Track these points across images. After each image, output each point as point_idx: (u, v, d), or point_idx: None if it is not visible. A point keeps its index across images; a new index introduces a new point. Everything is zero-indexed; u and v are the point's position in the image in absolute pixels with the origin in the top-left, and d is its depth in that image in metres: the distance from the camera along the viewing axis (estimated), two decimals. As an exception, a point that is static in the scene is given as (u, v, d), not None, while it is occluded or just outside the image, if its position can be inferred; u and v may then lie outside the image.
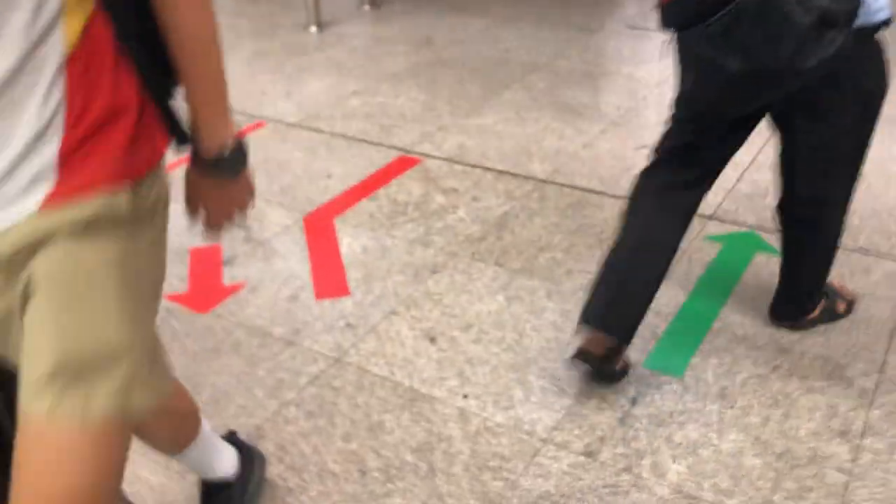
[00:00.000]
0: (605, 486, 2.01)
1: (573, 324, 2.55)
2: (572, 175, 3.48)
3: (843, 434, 2.13)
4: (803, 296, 2.48)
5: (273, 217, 3.24)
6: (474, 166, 3.58)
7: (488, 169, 3.55)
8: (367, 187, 3.44)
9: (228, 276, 2.87)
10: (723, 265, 2.83)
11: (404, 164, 3.63)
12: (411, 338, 2.53)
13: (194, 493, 2.02)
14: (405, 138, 3.88)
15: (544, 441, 2.15)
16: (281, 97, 4.43)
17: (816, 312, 2.49)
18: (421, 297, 2.71)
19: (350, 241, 3.05)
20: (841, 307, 2.54)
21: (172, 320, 2.66)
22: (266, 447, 2.15)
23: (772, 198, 3.18)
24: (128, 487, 2.00)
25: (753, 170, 3.44)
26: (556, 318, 2.59)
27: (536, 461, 2.09)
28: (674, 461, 2.07)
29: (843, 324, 2.52)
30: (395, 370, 2.40)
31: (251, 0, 6.26)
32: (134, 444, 2.15)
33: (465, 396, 2.30)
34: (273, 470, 2.08)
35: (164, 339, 2.54)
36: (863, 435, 2.13)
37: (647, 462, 2.08)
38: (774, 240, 2.94)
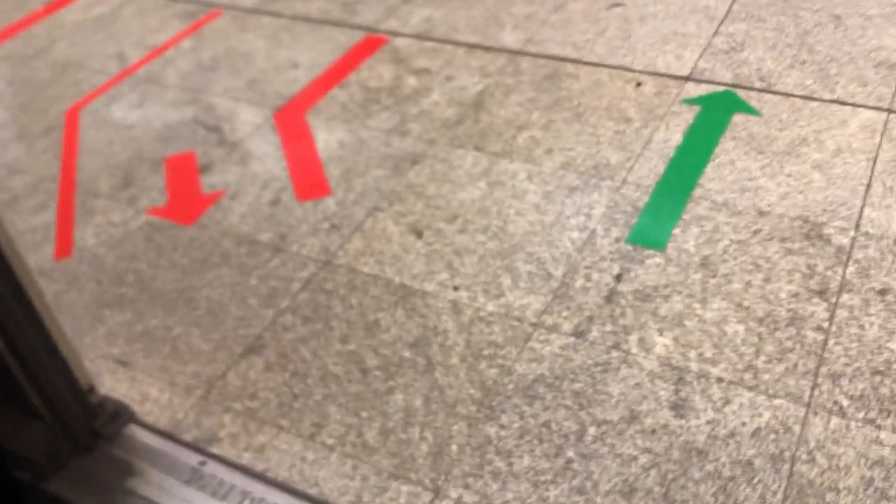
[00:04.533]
0: (595, 365, 2.10)
1: (555, 205, 2.58)
2: (545, 43, 3.39)
3: (821, 293, 2.21)
4: None
5: (243, 116, 3.17)
6: (444, 41, 3.48)
7: (459, 44, 3.45)
8: (336, 74, 3.35)
9: (207, 184, 2.85)
10: (701, 130, 2.82)
11: (371, 44, 3.52)
12: (397, 233, 2.55)
13: (202, 406, 2.11)
14: (369, 15, 3.74)
15: (535, 325, 2.22)
16: (235, -21, 4.22)
17: None
18: (403, 190, 2.71)
19: (325, 135, 3.01)
20: None
21: (157, 234, 2.67)
22: (268, 356, 2.22)
23: (749, 51, 3.15)
24: (137, 407, 2.08)
25: (729, 21, 3.36)
26: (538, 201, 2.60)
27: (529, 346, 2.17)
28: (660, 334, 2.16)
29: (820, 181, 2.56)
30: (384, 267, 2.44)
31: None
32: (141, 364, 2.22)
33: (456, 288, 2.35)
34: (278, 378, 2.16)
35: (151, 255, 2.57)
36: (839, 292, 2.21)
37: (634, 338, 2.16)
38: (754, 97, 2.93)
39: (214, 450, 1.98)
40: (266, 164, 2.91)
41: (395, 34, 3.58)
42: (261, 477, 1.81)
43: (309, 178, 2.82)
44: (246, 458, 1.96)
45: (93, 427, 1.84)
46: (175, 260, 2.56)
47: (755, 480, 1.81)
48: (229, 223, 2.68)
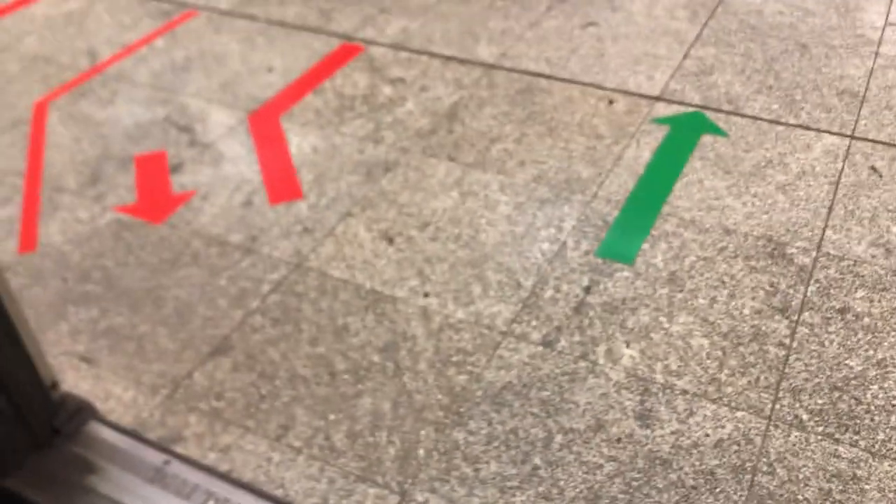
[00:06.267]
0: (563, 374, 2.12)
1: (526, 217, 2.61)
2: (519, 58, 3.43)
3: (783, 311, 2.27)
4: None
5: (216, 117, 3.15)
6: (420, 52, 3.51)
7: (434, 55, 3.48)
8: (311, 80, 3.35)
9: (178, 184, 2.82)
10: (670, 148, 2.88)
11: (347, 52, 3.53)
12: (369, 239, 2.56)
13: (167, 405, 2.08)
14: (345, 23, 3.75)
15: (504, 334, 2.24)
16: (211, -18, 4.20)
17: None
18: (376, 196, 2.72)
19: (299, 140, 3.01)
20: None
21: (125, 233, 2.63)
22: (236, 357, 2.20)
23: (718, 75, 3.22)
24: (101, 405, 2.05)
25: (699, 45, 3.44)
26: (509, 212, 2.63)
27: (498, 354, 2.19)
28: (627, 346, 2.19)
29: (784, 203, 2.62)
30: (355, 273, 2.44)
31: None
32: (105, 362, 2.19)
33: (426, 295, 2.36)
34: (245, 379, 2.14)
35: (119, 253, 2.54)
36: (801, 310, 2.26)
37: (601, 349, 2.19)
38: (721, 119, 3.00)
39: (179, 449, 1.96)
40: (238, 166, 2.89)
41: (371, 43, 3.59)
42: (225, 477, 1.79)
43: (281, 182, 2.81)
44: (211, 459, 1.94)
45: (53, 424, 1.81)
46: (143, 258, 2.54)
47: (717, 490, 1.84)
48: (200, 223, 2.66)
